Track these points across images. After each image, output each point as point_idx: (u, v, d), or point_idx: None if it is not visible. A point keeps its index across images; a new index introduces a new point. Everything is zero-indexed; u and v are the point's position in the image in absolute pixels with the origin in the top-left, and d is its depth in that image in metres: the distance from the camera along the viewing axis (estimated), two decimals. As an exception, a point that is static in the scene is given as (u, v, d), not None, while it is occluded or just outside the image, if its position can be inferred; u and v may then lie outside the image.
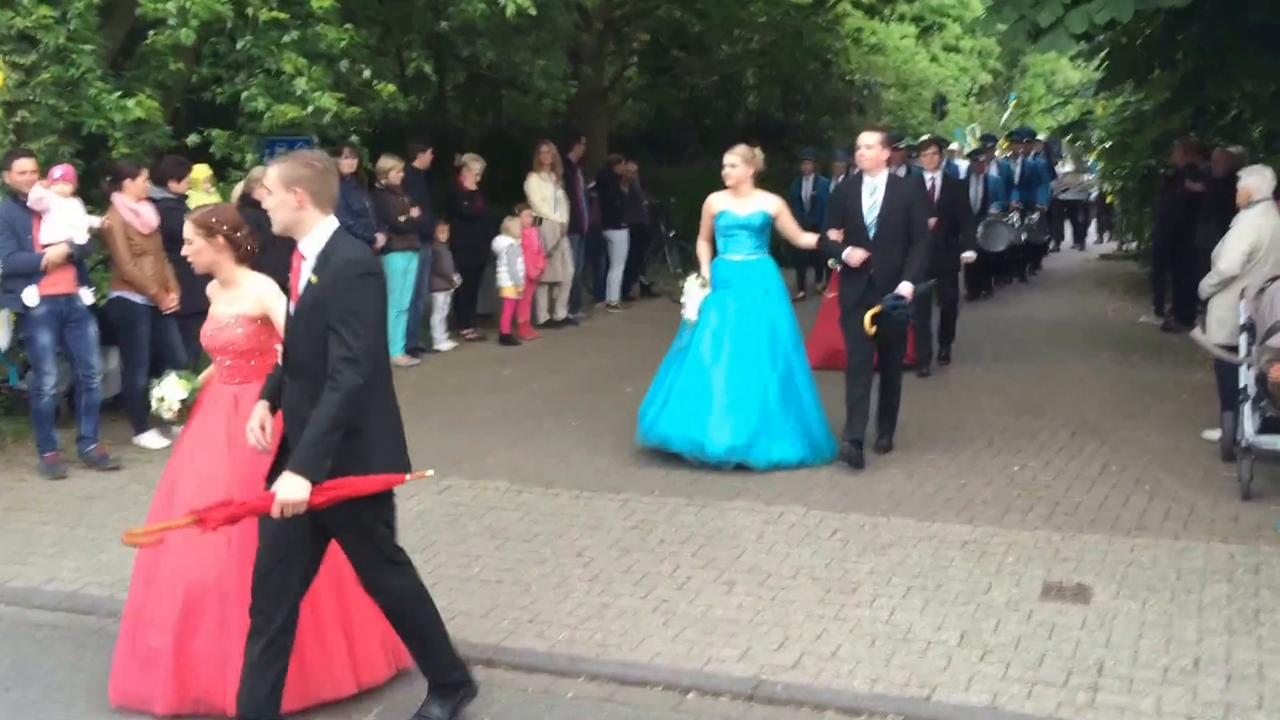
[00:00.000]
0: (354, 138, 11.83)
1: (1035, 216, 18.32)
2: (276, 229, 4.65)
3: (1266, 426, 7.67)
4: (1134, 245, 23.63)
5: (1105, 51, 14.59)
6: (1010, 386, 11.17)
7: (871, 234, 8.48)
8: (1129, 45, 13.74)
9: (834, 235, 8.71)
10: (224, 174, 10.94)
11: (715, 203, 8.79)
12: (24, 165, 8.54)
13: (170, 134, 10.48)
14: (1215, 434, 8.80)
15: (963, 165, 18.03)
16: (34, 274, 8.45)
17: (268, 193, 4.62)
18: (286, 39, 10.45)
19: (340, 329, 4.40)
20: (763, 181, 9.02)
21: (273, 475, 4.62)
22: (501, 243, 13.47)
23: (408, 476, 4.72)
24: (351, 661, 5.18)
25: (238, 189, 10.63)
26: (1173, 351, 12.48)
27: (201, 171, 10.10)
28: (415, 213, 12.29)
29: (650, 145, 22.75)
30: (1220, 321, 8.64)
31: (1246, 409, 7.77)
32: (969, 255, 12.53)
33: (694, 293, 8.77)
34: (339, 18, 10.87)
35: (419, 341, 12.95)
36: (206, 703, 5.04)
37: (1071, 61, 29.15)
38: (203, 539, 4.84)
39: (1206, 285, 8.82)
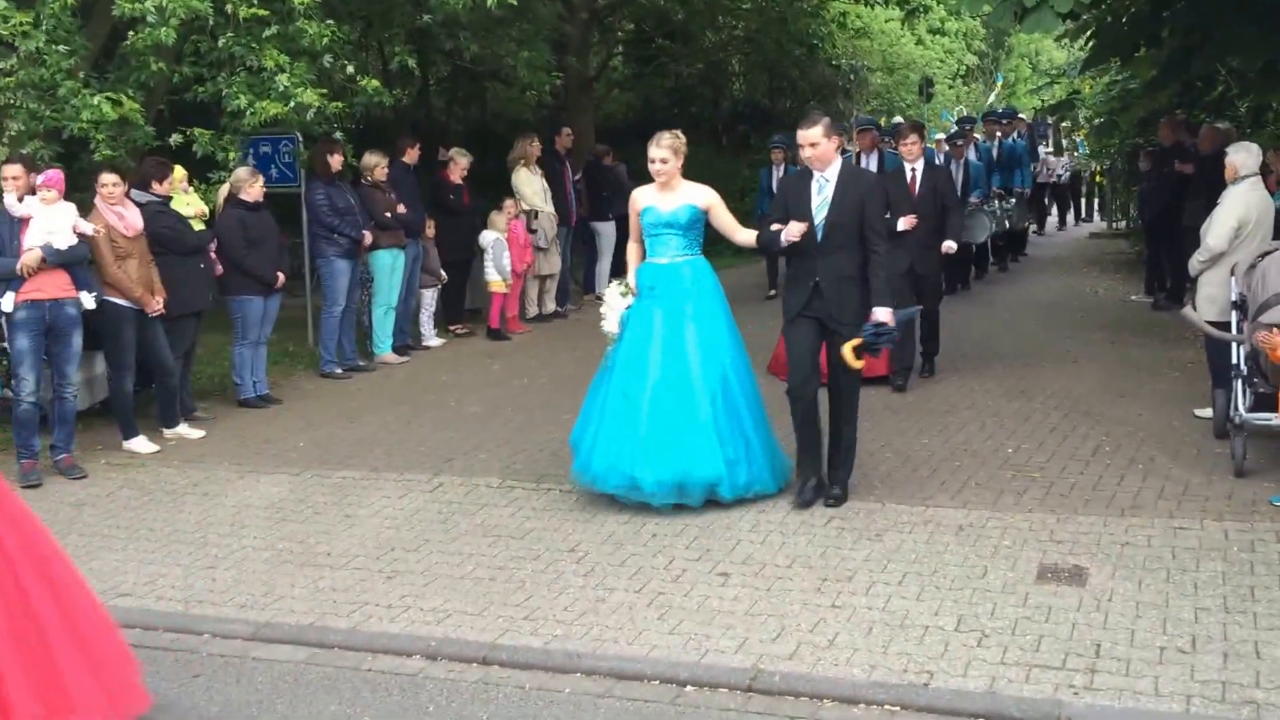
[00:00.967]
0: (338, 134, 11.78)
1: (1013, 202, 17.51)
2: None
3: (1259, 403, 7.66)
4: (1123, 224, 23.68)
5: (1091, 30, 14.57)
6: (1001, 369, 11.15)
7: (819, 237, 7.26)
8: (1114, 23, 13.71)
9: (795, 229, 7.32)
10: (207, 174, 10.86)
11: (639, 199, 7.70)
12: (9, 171, 8.54)
13: (153, 134, 10.43)
14: (1207, 412, 8.80)
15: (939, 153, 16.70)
16: (12, 279, 8.43)
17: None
18: (267, 34, 10.39)
19: None
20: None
21: None
22: (487, 237, 13.44)
23: None
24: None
25: (223, 190, 10.58)
26: (1163, 330, 12.48)
27: (178, 172, 10.04)
28: (401, 209, 12.25)
29: (637, 135, 22.68)
30: (1210, 299, 8.62)
31: (1238, 386, 7.77)
32: (949, 245, 10.88)
33: (614, 302, 7.77)
34: (320, 13, 10.80)
35: (408, 339, 12.92)
36: None
37: (1057, 42, 29.13)
38: None
39: (1195, 262, 8.79)
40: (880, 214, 7.47)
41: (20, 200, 8.54)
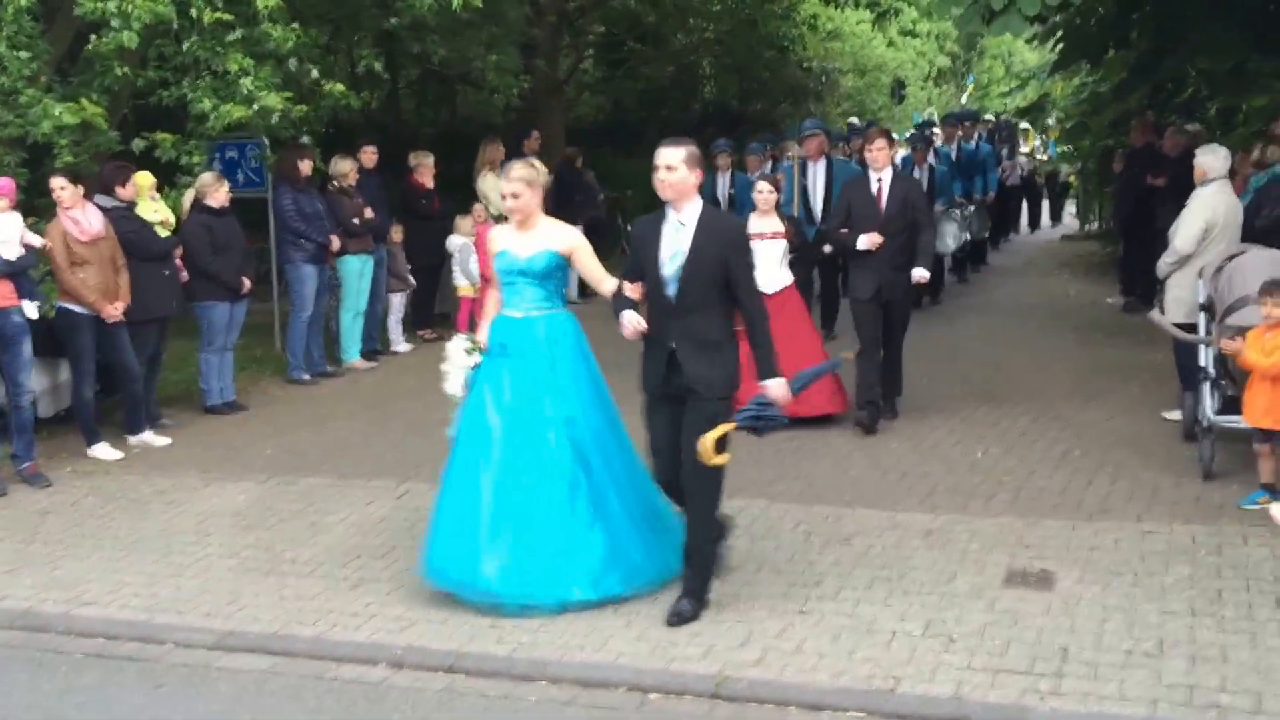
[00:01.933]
0: (305, 138, 11.70)
1: (971, 209, 16.12)
2: None
3: (1227, 406, 7.68)
4: (1095, 226, 23.77)
5: (1060, 33, 14.61)
6: (972, 372, 11.15)
7: (671, 291, 5.76)
8: (1083, 25, 13.76)
9: (629, 290, 5.92)
10: (173, 179, 10.78)
11: (495, 240, 6.41)
12: None
13: (117, 139, 10.33)
14: (1176, 414, 8.82)
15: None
16: None
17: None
18: (231, 38, 10.31)
19: None
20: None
21: None
22: (455, 241, 13.36)
23: None
24: None
25: (188, 195, 10.47)
26: (1133, 332, 12.50)
27: (145, 179, 9.95)
28: (369, 213, 12.16)
29: (608, 138, 22.70)
30: (1178, 301, 8.64)
31: (1206, 388, 7.78)
32: (920, 274, 9.22)
33: (458, 359, 6.51)
34: (286, 17, 10.72)
35: (376, 344, 12.83)
36: None
37: (1028, 44, 29.23)
38: None
39: (1164, 264, 8.81)
40: (750, 276, 5.87)
41: None
